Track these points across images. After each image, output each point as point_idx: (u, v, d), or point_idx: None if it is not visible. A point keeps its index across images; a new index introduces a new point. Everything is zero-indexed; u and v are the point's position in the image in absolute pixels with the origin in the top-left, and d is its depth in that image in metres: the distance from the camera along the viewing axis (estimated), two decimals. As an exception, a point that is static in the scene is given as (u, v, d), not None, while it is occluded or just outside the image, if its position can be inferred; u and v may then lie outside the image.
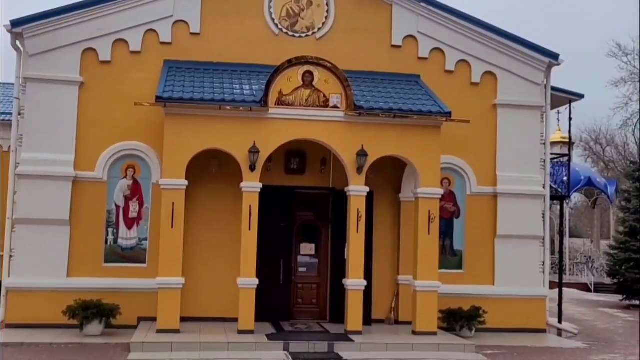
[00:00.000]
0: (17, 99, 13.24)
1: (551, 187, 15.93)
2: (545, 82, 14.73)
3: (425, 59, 14.29)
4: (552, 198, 16.28)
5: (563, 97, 16.26)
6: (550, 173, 15.86)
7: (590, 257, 31.30)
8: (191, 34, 13.65)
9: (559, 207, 19.70)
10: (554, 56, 14.54)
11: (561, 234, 20.62)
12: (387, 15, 14.24)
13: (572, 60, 16.16)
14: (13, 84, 13.89)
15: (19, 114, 13.14)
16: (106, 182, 13.23)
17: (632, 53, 36.74)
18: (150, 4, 13.46)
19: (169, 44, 13.56)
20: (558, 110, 18.45)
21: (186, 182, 12.13)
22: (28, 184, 12.85)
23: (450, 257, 14.24)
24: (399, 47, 14.23)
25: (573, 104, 16.79)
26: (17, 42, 13.15)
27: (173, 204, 12.00)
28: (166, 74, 12.96)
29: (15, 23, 12.90)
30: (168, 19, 13.55)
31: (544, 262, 14.57)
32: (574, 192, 28.37)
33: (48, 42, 13.04)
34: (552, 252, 24.10)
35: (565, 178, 17.81)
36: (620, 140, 45.55)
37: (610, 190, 29.76)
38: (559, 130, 24.50)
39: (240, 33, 13.75)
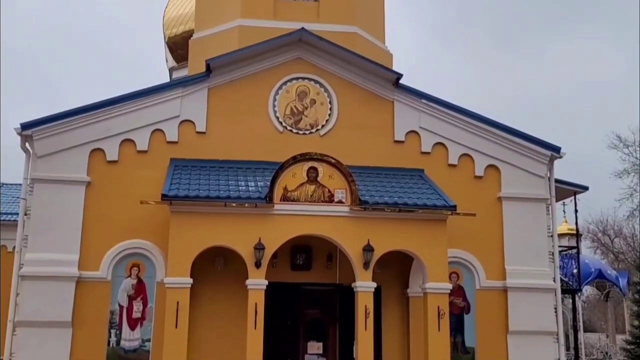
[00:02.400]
0: (24, 200, 13.32)
1: (562, 280, 15.67)
2: (548, 175, 14.79)
3: (428, 153, 14.44)
4: (564, 291, 16.01)
5: (568, 189, 16.29)
6: (560, 266, 15.65)
7: (607, 353, 30.35)
8: (197, 132, 13.89)
9: (570, 300, 19.29)
10: (556, 149, 14.68)
11: (575, 329, 20.12)
12: (389, 112, 14.52)
13: (574, 152, 16.29)
14: (16, 184, 14.06)
15: (25, 214, 13.18)
16: (110, 281, 13.07)
17: (632, 145, 37.05)
18: (158, 105, 13.78)
19: (175, 142, 13.77)
20: (564, 202, 18.48)
21: (191, 281, 11.98)
22: (31, 285, 12.69)
23: (462, 355, 13.81)
24: (402, 142, 14.42)
25: (578, 196, 16.81)
26: (27, 144, 13.37)
27: (177, 303, 11.81)
28: (172, 172, 13.09)
29: (25, 126, 13.16)
30: (174, 119, 13.83)
31: (559, 359, 14.10)
32: (585, 285, 27.84)
33: (57, 144, 13.26)
34: (567, 348, 23.40)
35: (575, 270, 17.60)
36: (628, 231, 45.24)
37: (622, 282, 29.24)
38: (566, 222, 24.41)
39: (246, 131, 13.98)
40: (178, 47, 23.72)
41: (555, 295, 14.35)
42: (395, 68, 15.35)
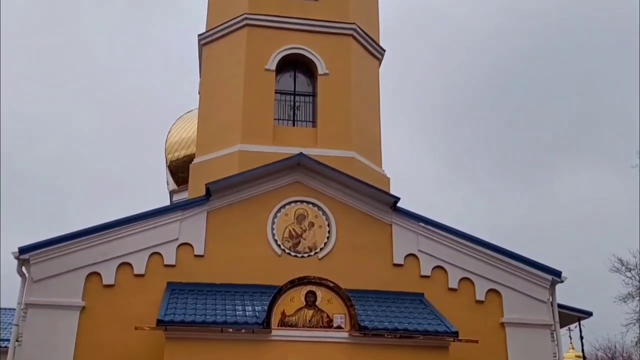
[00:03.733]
0: (16, 326, 13.01)
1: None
2: (551, 300, 14.54)
3: (428, 277, 14.31)
4: None
5: (572, 315, 15.99)
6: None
7: None
8: (195, 256, 13.82)
9: None
10: (557, 273, 14.53)
11: None
12: (387, 235, 14.52)
13: (576, 276, 16.13)
14: (14, 309, 13.73)
15: (17, 341, 12.82)
16: (99, 412, 12.52)
17: (635, 268, 36.70)
18: (156, 228, 13.81)
19: (173, 266, 13.67)
20: (569, 328, 18.07)
21: (183, 412, 11.45)
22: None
23: None
24: (401, 265, 14.32)
25: (583, 321, 16.46)
26: (23, 268, 13.24)
27: None
28: (168, 296, 12.88)
29: (23, 250, 13.10)
30: (173, 242, 13.82)
31: None
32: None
33: (53, 268, 13.14)
34: None
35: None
36: (638, 358, 43.86)
37: (635, 412, 28.01)
38: (572, 348, 23.75)
39: (244, 254, 13.91)
40: (179, 170, 24.15)
41: None
42: (396, 191, 15.49)
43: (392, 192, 15.50)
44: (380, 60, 18.31)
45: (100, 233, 13.51)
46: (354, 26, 17.19)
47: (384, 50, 18.32)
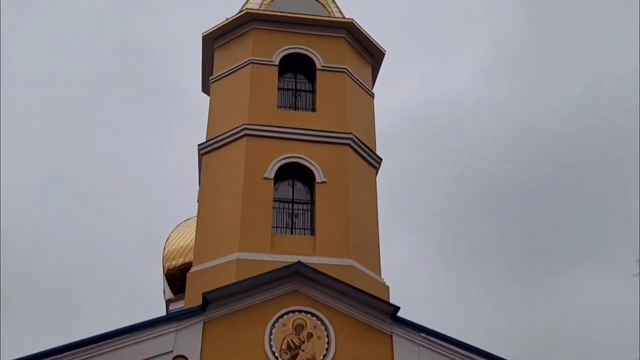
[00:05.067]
0: None
1: None
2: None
3: (430, 390, 13.83)
4: None
5: None
6: None
7: None
8: (190, 368, 13.41)
9: None
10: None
11: None
12: (387, 346, 14.16)
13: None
14: None
15: None
16: None
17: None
18: (150, 340, 13.46)
19: (167, 380, 13.25)
20: None
21: None
22: None
23: None
24: (403, 378, 13.88)
25: None
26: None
27: None
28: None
29: (11, 365, 12.72)
30: (168, 354, 13.44)
31: None
32: None
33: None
34: None
35: None
36: None
37: None
38: None
39: (241, 367, 13.51)
40: (176, 278, 23.82)
41: None
42: (398, 299, 15.26)
43: (392, 300, 15.25)
44: (377, 168, 18.54)
45: (92, 346, 13.13)
46: (350, 136, 17.55)
47: (381, 159, 18.59)
